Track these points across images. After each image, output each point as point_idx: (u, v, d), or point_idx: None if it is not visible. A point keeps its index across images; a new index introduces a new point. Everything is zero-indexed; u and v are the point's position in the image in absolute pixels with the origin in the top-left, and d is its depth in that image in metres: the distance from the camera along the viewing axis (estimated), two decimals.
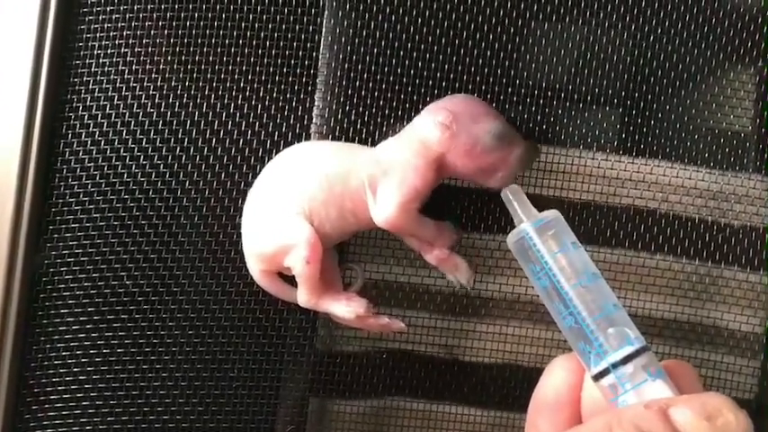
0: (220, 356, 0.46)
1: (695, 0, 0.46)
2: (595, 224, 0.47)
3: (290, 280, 0.45)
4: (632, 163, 0.47)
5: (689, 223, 0.48)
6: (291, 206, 0.42)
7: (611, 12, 0.46)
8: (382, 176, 0.42)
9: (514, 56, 0.46)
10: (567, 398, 0.31)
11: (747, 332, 0.48)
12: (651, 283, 0.48)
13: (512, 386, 0.45)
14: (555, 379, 0.32)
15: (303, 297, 0.43)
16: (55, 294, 0.46)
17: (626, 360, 0.30)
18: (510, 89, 0.47)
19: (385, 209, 0.42)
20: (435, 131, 0.42)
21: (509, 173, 0.42)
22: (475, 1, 0.46)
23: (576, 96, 0.47)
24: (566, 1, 0.46)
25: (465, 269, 0.45)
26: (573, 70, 0.47)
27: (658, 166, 0.47)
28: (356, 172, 0.42)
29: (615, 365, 0.30)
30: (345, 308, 0.43)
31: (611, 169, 0.47)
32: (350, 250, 0.48)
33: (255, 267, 0.44)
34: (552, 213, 0.32)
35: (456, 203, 0.47)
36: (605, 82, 0.47)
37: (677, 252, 0.48)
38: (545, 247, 0.32)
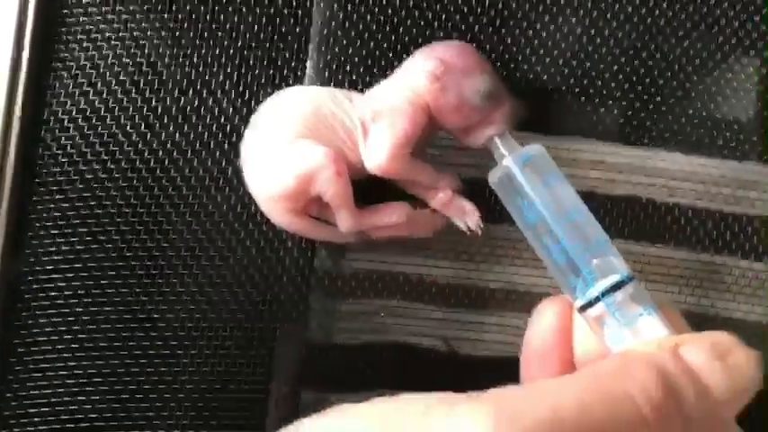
0: (208, 342, 0.45)
1: None
2: (596, 214, 0.46)
3: None
4: (633, 154, 0.45)
5: (690, 211, 0.46)
6: (296, 138, 0.42)
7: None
8: (372, 122, 0.42)
9: (515, 46, 0.45)
10: (553, 342, 0.31)
11: (754, 322, 0.47)
12: (655, 273, 0.46)
13: (511, 379, 0.44)
14: (541, 325, 0.31)
15: (345, 222, 0.42)
16: (34, 302, 0.45)
17: (615, 288, 0.30)
18: (511, 78, 0.45)
19: (376, 155, 0.42)
20: (425, 80, 0.41)
21: (491, 132, 0.40)
22: None
23: (577, 86, 0.45)
24: None
25: (472, 212, 0.45)
26: (574, 60, 0.45)
27: (651, 157, 0.46)
28: (350, 116, 0.43)
29: (605, 293, 0.30)
30: (391, 214, 0.43)
31: (613, 161, 0.45)
32: None
33: (282, 211, 0.43)
34: (535, 148, 0.32)
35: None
36: (607, 70, 0.45)
37: (680, 241, 0.46)
38: (532, 180, 0.32)
